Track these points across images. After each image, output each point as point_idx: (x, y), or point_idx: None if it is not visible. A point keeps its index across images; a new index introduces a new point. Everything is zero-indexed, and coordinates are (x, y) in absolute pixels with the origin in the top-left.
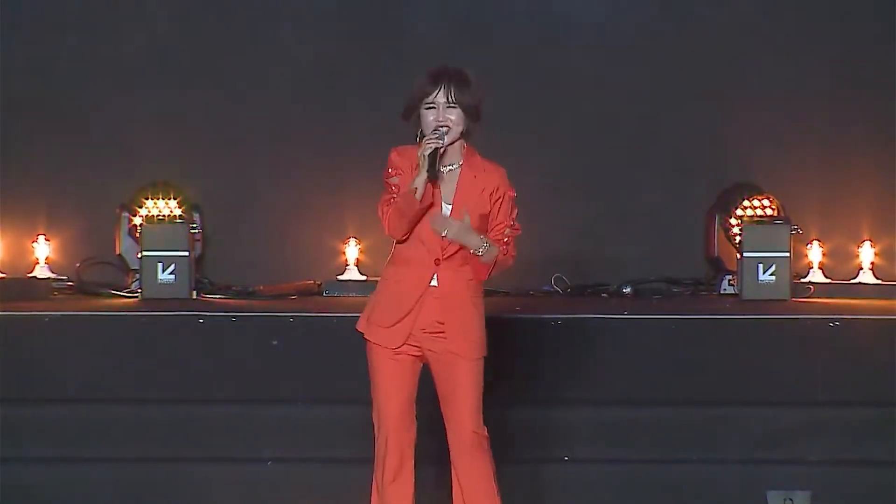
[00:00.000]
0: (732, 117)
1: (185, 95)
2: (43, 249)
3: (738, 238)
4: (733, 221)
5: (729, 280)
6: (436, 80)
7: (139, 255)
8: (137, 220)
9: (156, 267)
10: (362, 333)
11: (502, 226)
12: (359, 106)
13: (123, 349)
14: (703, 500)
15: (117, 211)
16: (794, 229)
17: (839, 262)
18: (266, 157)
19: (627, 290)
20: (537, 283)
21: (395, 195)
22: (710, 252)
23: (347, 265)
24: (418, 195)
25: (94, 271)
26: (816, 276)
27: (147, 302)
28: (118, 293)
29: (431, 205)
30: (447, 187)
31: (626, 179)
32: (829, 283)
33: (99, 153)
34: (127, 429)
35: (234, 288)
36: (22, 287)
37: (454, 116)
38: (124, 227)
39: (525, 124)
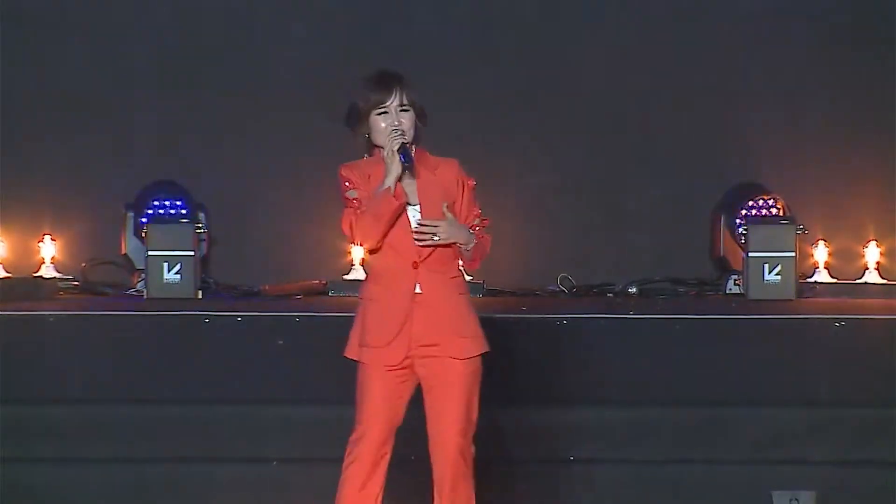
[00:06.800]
0: (737, 117)
1: (191, 95)
2: (48, 249)
3: (743, 238)
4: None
5: (734, 280)
6: (388, 86)
7: (146, 255)
8: (143, 220)
9: (161, 267)
10: (355, 360)
11: (470, 217)
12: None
13: (129, 349)
14: (707, 501)
15: (123, 211)
16: (800, 229)
17: (845, 261)
18: (271, 156)
19: (633, 290)
20: (542, 282)
21: (359, 207)
22: (716, 252)
23: (353, 265)
24: (392, 192)
25: (100, 271)
26: (822, 275)
27: (152, 302)
28: (123, 293)
29: (406, 204)
30: (409, 190)
31: (631, 179)
32: (835, 283)
33: (104, 153)
34: (132, 429)
35: (239, 288)
36: (27, 287)
37: (407, 120)
38: (130, 227)
39: (529, 124)
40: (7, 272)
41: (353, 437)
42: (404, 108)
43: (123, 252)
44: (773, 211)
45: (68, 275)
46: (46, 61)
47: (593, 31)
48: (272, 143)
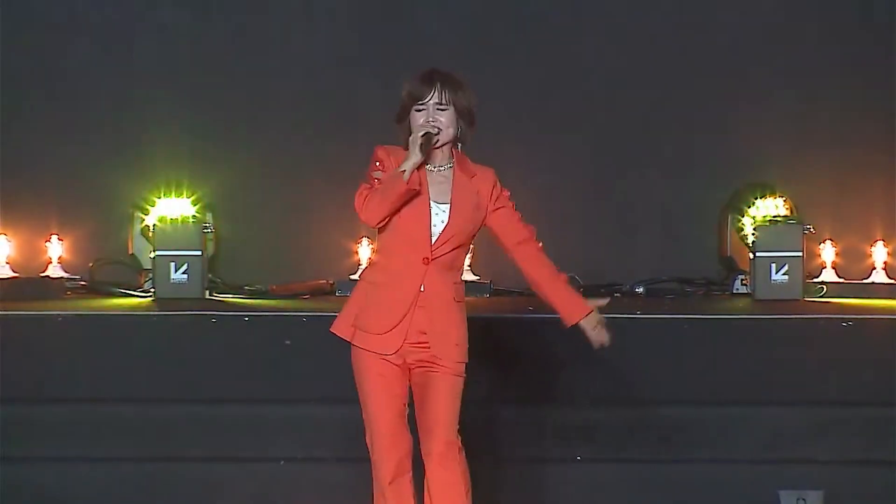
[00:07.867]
0: (745, 117)
1: (198, 95)
2: (56, 249)
3: (750, 238)
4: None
5: (742, 280)
6: (428, 81)
7: (152, 255)
8: (150, 220)
9: (168, 266)
10: (344, 338)
11: (524, 230)
12: (371, 105)
13: (136, 349)
14: (714, 500)
15: (130, 210)
16: (807, 229)
17: (852, 261)
18: (279, 156)
19: (640, 289)
20: None
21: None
22: (723, 252)
23: (360, 265)
24: (406, 177)
25: (107, 271)
26: (829, 275)
27: (160, 302)
28: (131, 293)
29: (417, 192)
30: (440, 188)
31: (637, 179)
32: (842, 283)
33: (112, 153)
34: (138, 428)
35: (246, 287)
36: (35, 286)
37: (444, 118)
38: (137, 227)
39: (537, 123)
40: (14, 272)
41: (366, 422)
42: (441, 106)
43: (131, 252)
44: (781, 211)
45: (76, 275)
46: (53, 60)
47: (599, 30)
48: (280, 142)
